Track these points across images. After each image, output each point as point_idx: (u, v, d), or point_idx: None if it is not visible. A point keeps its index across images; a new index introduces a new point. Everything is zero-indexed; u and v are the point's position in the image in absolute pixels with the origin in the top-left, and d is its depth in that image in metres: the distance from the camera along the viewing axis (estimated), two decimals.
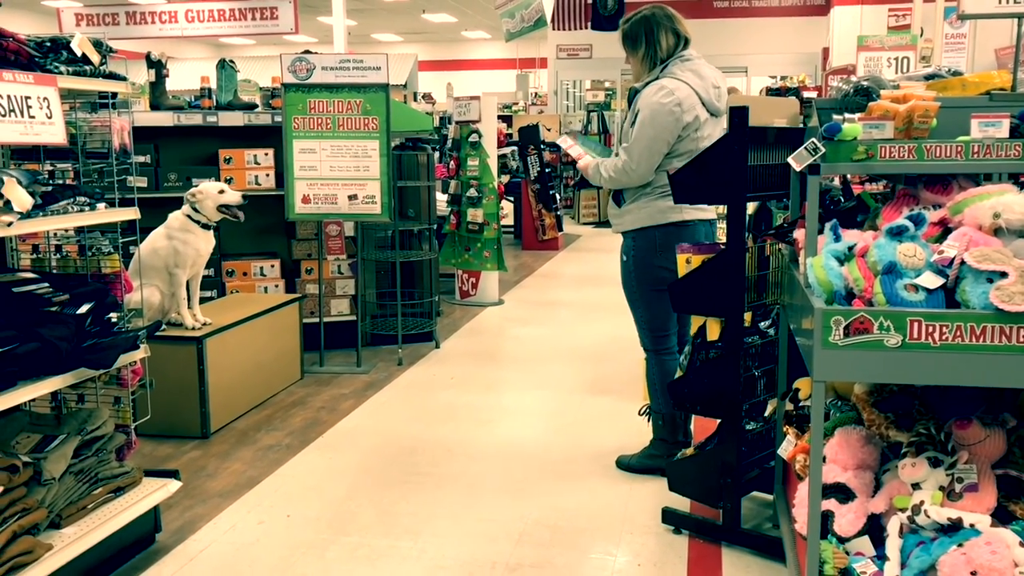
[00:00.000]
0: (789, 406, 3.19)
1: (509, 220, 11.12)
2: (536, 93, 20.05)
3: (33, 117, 2.63)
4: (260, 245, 6.09)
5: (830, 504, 2.49)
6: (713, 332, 3.25)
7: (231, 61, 5.96)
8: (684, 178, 3.21)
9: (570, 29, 14.56)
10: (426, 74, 21.63)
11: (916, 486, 2.40)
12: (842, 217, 2.74)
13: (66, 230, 3.22)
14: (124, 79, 3.06)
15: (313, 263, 6.00)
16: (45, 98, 2.68)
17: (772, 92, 9.31)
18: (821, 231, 2.53)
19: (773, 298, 3.31)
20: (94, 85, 2.94)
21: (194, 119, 5.75)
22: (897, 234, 2.30)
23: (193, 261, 4.49)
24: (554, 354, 6.01)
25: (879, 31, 9.48)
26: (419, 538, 3.32)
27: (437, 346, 6.18)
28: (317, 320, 5.74)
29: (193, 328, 4.45)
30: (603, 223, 13.67)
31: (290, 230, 6.02)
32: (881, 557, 2.35)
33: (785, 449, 2.94)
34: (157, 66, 5.71)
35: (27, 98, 2.61)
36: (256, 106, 6.01)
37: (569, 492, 3.73)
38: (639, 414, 4.08)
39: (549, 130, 12.31)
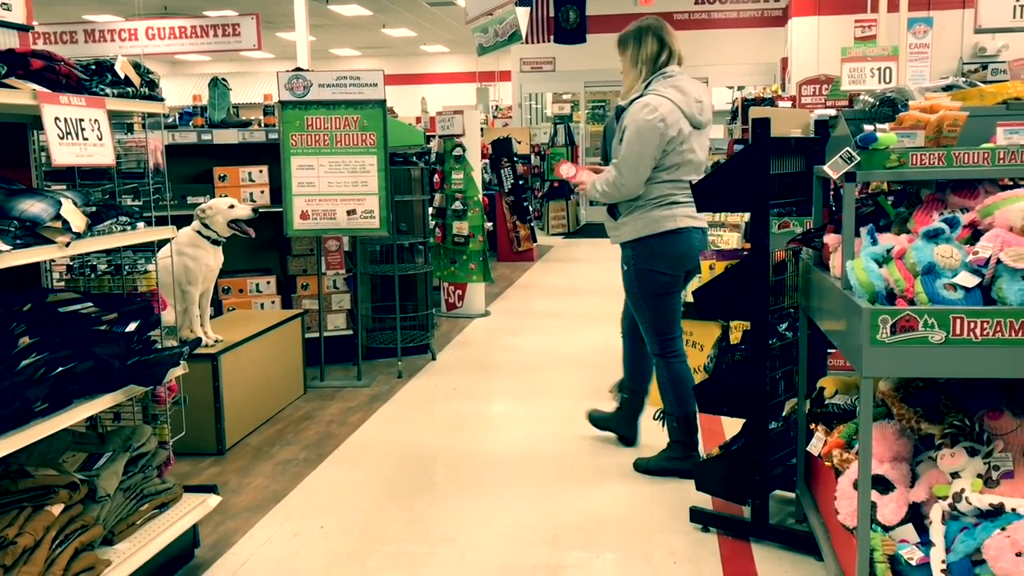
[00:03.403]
0: (810, 405, 3.33)
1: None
2: (497, 106, 20.20)
3: (87, 139, 2.66)
4: (255, 262, 6.11)
5: (872, 495, 2.62)
6: (736, 335, 3.38)
7: (223, 79, 5.98)
8: (706, 187, 3.33)
9: (535, 42, 14.72)
10: (389, 88, 21.63)
11: (955, 475, 2.54)
12: (863, 222, 2.89)
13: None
14: (163, 100, 3.11)
15: (309, 279, 6.03)
16: (96, 120, 2.72)
17: (748, 102, 9.53)
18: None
19: (790, 301, 3.44)
20: (137, 106, 2.99)
21: (188, 137, 5.77)
22: (933, 236, 2.44)
23: (204, 277, 4.52)
24: (549, 363, 6.10)
25: (839, 41, 9.76)
26: (457, 544, 3.39)
27: (433, 358, 6.24)
28: (316, 335, 5.78)
29: (207, 345, 4.47)
30: (572, 234, 13.84)
31: (284, 246, 6.05)
32: (925, 543, 2.49)
33: (815, 446, 3.06)
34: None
35: (80, 120, 2.65)
36: (249, 123, 6.03)
37: (593, 496, 3.82)
38: (654, 419, 4.20)
39: (520, 143, 12.43)
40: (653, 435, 4.28)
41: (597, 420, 4.49)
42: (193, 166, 5.97)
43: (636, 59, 3.93)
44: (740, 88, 15.46)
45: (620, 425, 4.38)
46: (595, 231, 13.99)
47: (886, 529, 2.57)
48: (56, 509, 2.59)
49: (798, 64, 12.87)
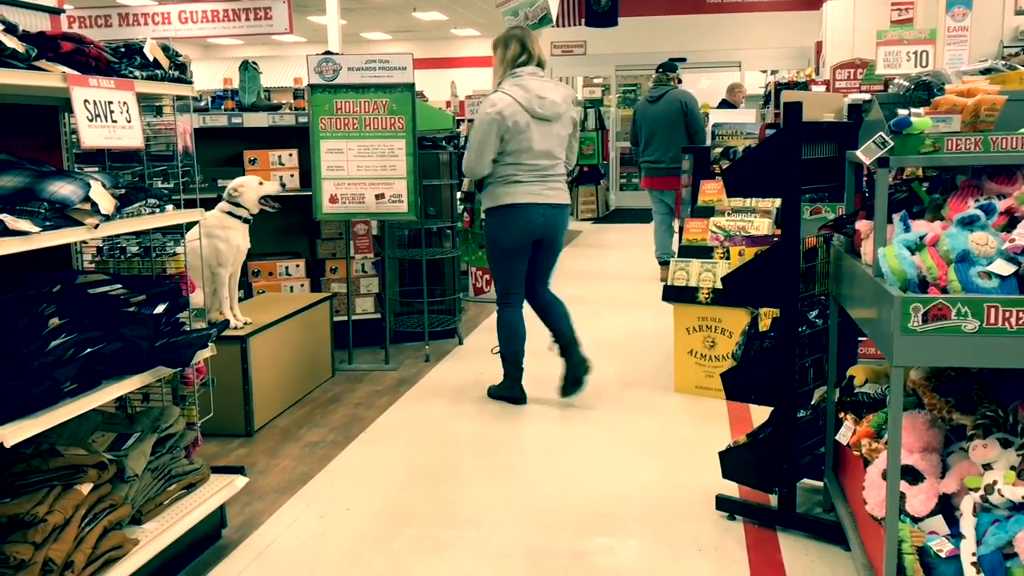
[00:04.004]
0: (839, 394, 3.29)
1: None
2: None
3: (115, 121, 2.68)
4: (284, 245, 6.14)
5: (901, 486, 2.58)
6: (765, 323, 3.35)
7: (254, 63, 6.00)
8: (736, 172, 3.30)
9: (566, 26, 14.63)
10: (419, 72, 21.62)
11: (987, 466, 2.50)
12: (896, 209, 2.84)
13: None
14: (191, 83, 3.11)
15: (338, 262, 6.05)
16: (125, 102, 2.73)
17: (781, 86, 9.40)
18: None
19: (821, 288, 3.39)
20: (166, 89, 3.00)
21: (219, 121, 5.80)
22: (968, 224, 2.39)
23: (234, 258, 4.55)
24: None
25: (875, 25, 9.59)
26: (481, 528, 3.40)
27: (460, 342, 6.25)
28: (344, 318, 5.80)
29: (236, 327, 4.50)
30: (602, 219, 13.78)
31: (313, 230, 6.07)
32: (955, 535, 2.45)
33: (844, 435, 3.02)
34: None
35: (109, 103, 2.67)
36: (280, 107, 6.05)
37: (618, 482, 3.81)
38: (491, 352, 5.03)
39: None
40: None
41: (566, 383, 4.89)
42: (224, 149, 6.00)
43: (501, 60, 4.64)
44: (774, 72, 15.26)
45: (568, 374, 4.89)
46: (625, 216, 13.94)
47: (915, 520, 2.53)
48: (85, 488, 2.62)
49: (833, 48, 12.65)
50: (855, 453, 2.90)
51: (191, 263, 4.29)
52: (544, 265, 4.89)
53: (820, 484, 3.45)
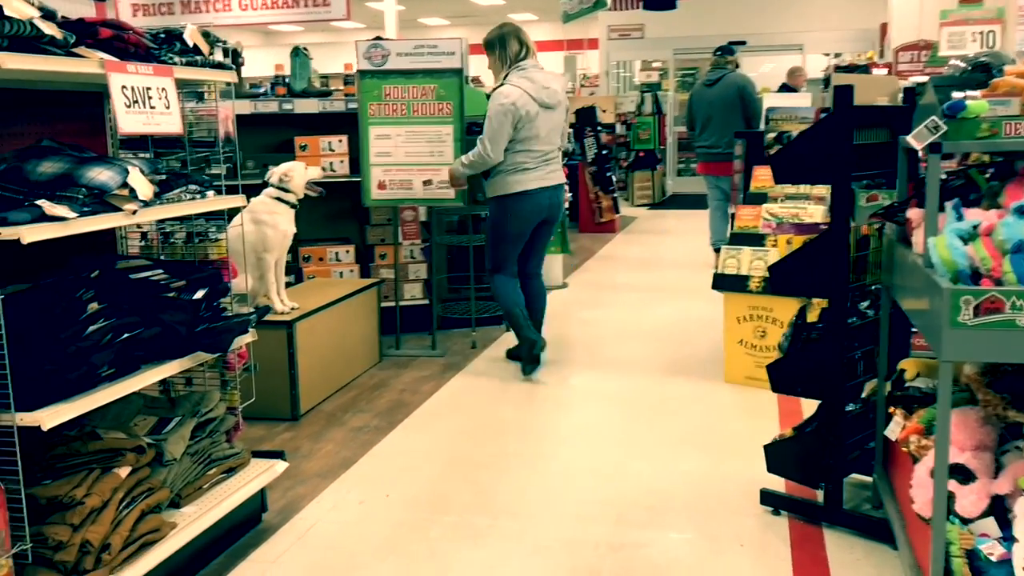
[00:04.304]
0: (890, 387, 3.18)
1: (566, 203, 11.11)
2: (584, 75, 19.95)
3: (153, 108, 2.69)
4: (334, 231, 6.17)
5: (950, 485, 2.48)
6: (814, 313, 3.25)
7: (305, 49, 6.02)
8: (785, 158, 3.20)
9: (622, 9, 14.44)
10: (476, 57, 21.62)
11: None
12: (950, 196, 2.72)
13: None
14: (231, 68, 3.12)
15: (386, 248, 6.06)
16: (163, 88, 2.74)
17: (840, 70, 9.15)
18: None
19: (873, 278, 3.28)
20: (205, 75, 3.00)
21: (270, 107, 5.83)
22: None
23: (280, 244, 4.57)
24: (624, 337, 6.02)
25: (943, 4, 9.28)
26: (519, 518, 3.37)
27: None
28: (392, 304, 5.81)
29: (282, 312, 4.53)
30: (657, 205, 13.62)
31: (363, 216, 6.09)
32: (1008, 539, 2.34)
33: (893, 431, 2.92)
34: (233, 55, 5.76)
35: (148, 89, 2.68)
36: (330, 93, 6.06)
37: (661, 474, 3.75)
38: (506, 358, 5.41)
39: (604, 112, 12.24)
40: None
41: (508, 354, 5.42)
42: (275, 136, 6.04)
43: (502, 57, 4.94)
44: (837, 55, 14.88)
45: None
46: (682, 202, 13.75)
47: (965, 522, 2.43)
48: (123, 471, 2.65)
49: (898, 29, 12.27)
50: (904, 450, 2.80)
51: (234, 248, 4.35)
52: (540, 244, 5.20)
53: (870, 480, 3.35)
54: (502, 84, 4.88)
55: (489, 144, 4.82)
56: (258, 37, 24.62)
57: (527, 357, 5.10)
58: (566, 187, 5.35)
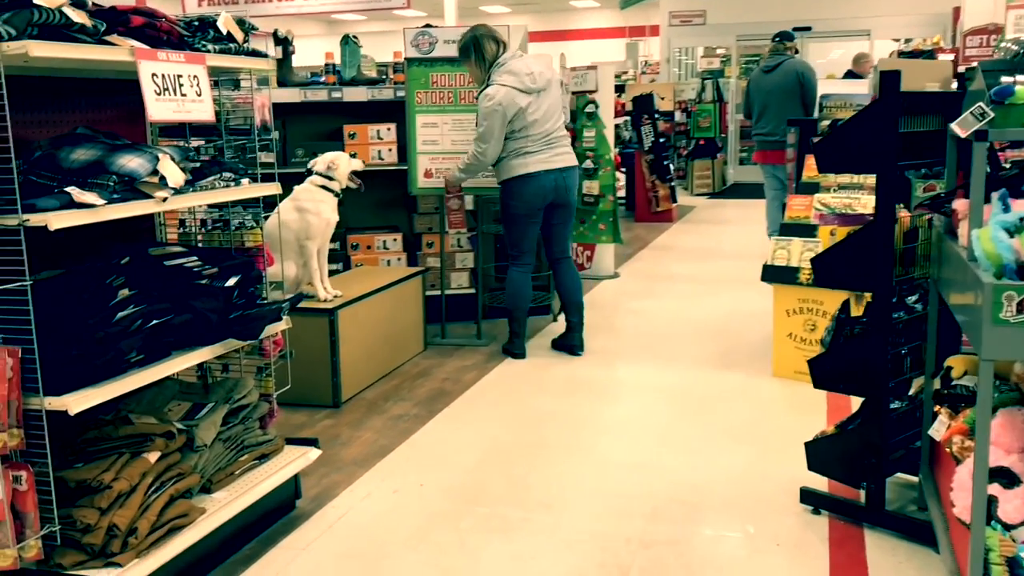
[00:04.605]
0: (938, 384, 3.06)
1: (622, 192, 10.99)
2: (646, 61, 19.72)
3: (184, 95, 2.70)
4: (383, 219, 6.19)
5: (993, 489, 2.37)
6: (860, 307, 3.14)
7: (354, 37, 6.03)
8: (828, 146, 3.09)
9: None
10: (535, 45, 21.53)
11: None
12: (999, 186, 2.59)
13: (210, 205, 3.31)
14: (266, 56, 3.12)
15: (434, 236, 6.05)
16: (195, 76, 2.75)
17: (904, 55, 8.86)
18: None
19: (921, 272, 3.16)
20: (239, 63, 3.01)
21: (320, 95, 5.86)
22: None
23: (323, 232, 4.59)
24: (675, 328, 5.92)
25: None
26: (551, 511, 3.33)
27: (555, 319, 6.16)
28: (438, 293, 5.81)
29: (325, 300, 4.56)
30: (718, 194, 13.41)
31: (411, 204, 6.09)
32: None
33: (937, 430, 2.81)
34: (284, 43, 5.82)
35: (179, 76, 2.69)
36: (380, 81, 6.07)
37: (700, 468, 3.67)
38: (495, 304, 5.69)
39: (663, 99, 12.08)
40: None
41: (553, 344, 5.47)
42: (324, 124, 6.07)
43: (480, 60, 4.96)
44: (907, 41, 14.43)
45: (565, 338, 5.39)
46: (743, 191, 13.51)
47: (1007, 528, 2.32)
48: (152, 456, 2.68)
49: (971, 12, 11.81)
50: (947, 450, 2.69)
51: (273, 235, 4.38)
52: (560, 228, 5.21)
53: (916, 480, 3.24)
54: (487, 84, 4.92)
55: (484, 144, 4.91)
56: (321, 27, 24.88)
57: (507, 352, 5.32)
58: (579, 170, 5.40)
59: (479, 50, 4.95)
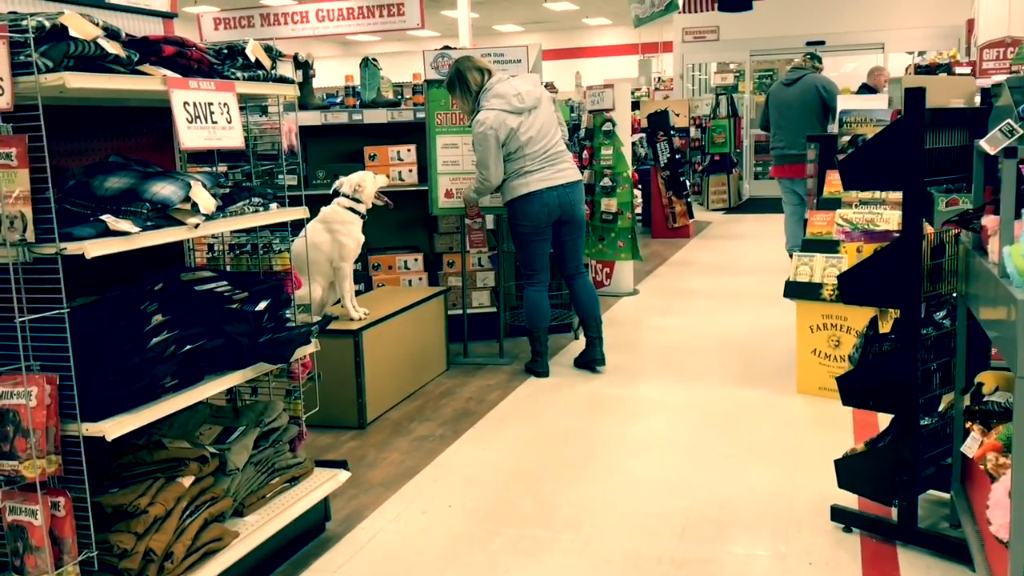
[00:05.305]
0: (968, 401, 3.05)
1: (639, 208, 11.00)
2: (659, 78, 19.78)
3: (215, 123, 2.73)
4: (404, 239, 6.22)
5: None
6: (887, 324, 3.13)
7: (374, 59, 6.09)
8: (853, 163, 3.09)
9: (696, 11, 14.27)
10: (549, 63, 21.62)
11: None
12: None
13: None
14: (293, 82, 3.16)
15: (455, 256, 6.08)
16: (225, 104, 2.79)
17: (920, 69, 8.86)
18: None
19: (949, 287, 3.15)
20: (267, 90, 3.04)
21: (340, 117, 5.91)
22: None
23: (354, 252, 4.64)
24: (696, 345, 5.92)
25: None
26: (581, 531, 3.33)
27: (576, 337, 6.17)
28: (459, 312, 5.83)
29: (359, 319, 4.59)
30: (733, 209, 13.40)
31: (432, 224, 6.12)
32: None
33: (970, 447, 2.79)
34: (304, 67, 5.88)
35: (209, 104, 2.72)
36: (399, 103, 6.12)
37: (729, 486, 3.66)
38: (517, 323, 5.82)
39: (678, 115, 12.10)
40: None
41: (576, 362, 5.50)
42: (345, 145, 6.12)
43: (467, 92, 5.03)
44: (921, 54, 14.43)
45: (586, 354, 5.43)
46: (759, 206, 13.50)
47: None
48: (187, 481, 2.70)
49: (985, 26, 11.83)
50: (981, 467, 2.68)
51: (301, 258, 4.41)
52: (571, 245, 5.24)
53: (948, 496, 3.22)
54: (477, 110, 4.98)
55: (484, 169, 5.01)
56: (336, 48, 25.10)
57: (530, 371, 5.37)
58: (583, 185, 5.39)
59: (463, 82, 5.01)
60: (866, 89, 9.82)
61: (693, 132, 13.20)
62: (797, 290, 4.77)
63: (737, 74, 15.49)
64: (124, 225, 2.43)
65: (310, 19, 16.01)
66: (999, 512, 2.41)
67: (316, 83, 6.38)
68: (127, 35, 2.57)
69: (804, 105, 7.84)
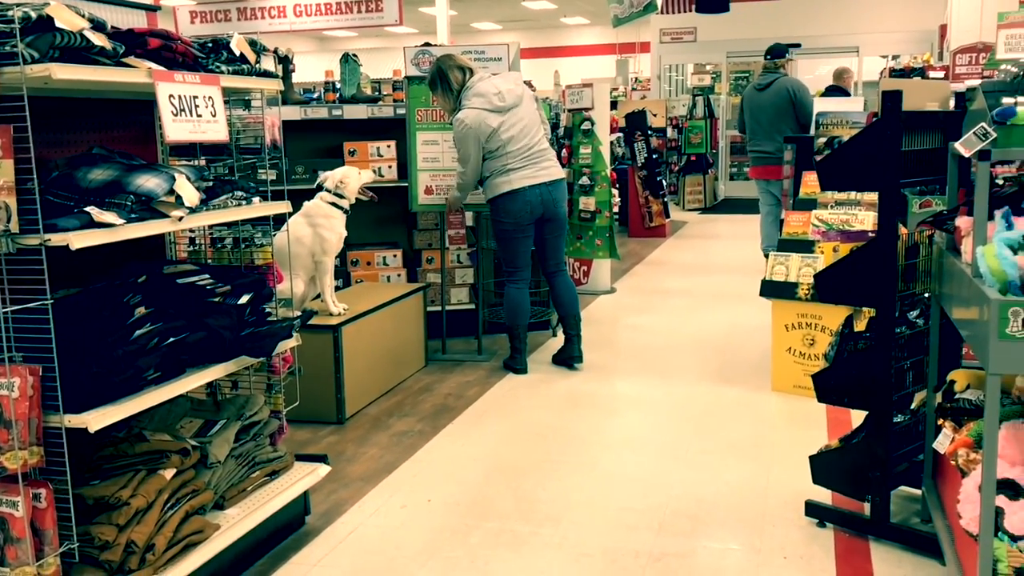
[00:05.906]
0: (940, 398, 3.11)
1: (616, 207, 11.05)
2: (636, 78, 19.85)
3: (200, 116, 2.74)
4: (383, 235, 6.22)
5: (1000, 501, 2.42)
6: (861, 323, 3.19)
7: (354, 55, 6.08)
8: (831, 165, 3.14)
9: (674, 12, 14.36)
10: (526, 62, 21.61)
11: None
12: (1001, 204, 2.65)
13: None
14: (277, 77, 3.16)
15: (434, 252, 6.09)
16: (210, 97, 2.79)
17: (895, 73, 8.96)
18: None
19: (922, 287, 3.21)
20: (251, 84, 3.05)
21: (320, 113, 5.90)
22: None
23: (336, 247, 4.64)
24: (673, 343, 5.97)
25: (1005, 5, 9.05)
26: (560, 525, 3.36)
27: (554, 334, 6.20)
28: (438, 308, 5.84)
29: (338, 314, 4.59)
30: (709, 209, 13.50)
31: (410, 220, 6.13)
32: None
33: (942, 443, 2.86)
34: (284, 62, 5.86)
35: (194, 98, 2.73)
36: (379, 99, 6.12)
37: (705, 483, 3.71)
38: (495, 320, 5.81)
39: (655, 115, 12.17)
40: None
41: (554, 359, 5.52)
42: (324, 141, 6.11)
43: (449, 90, 5.05)
44: (895, 58, 14.60)
45: (564, 351, 5.47)
46: (734, 206, 13.61)
47: (1015, 539, 2.37)
48: (168, 473, 2.70)
49: (957, 31, 11.99)
50: (952, 463, 2.74)
51: (283, 252, 4.41)
52: (552, 242, 5.27)
53: (919, 492, 3.28)
54: (458, 109, 4.99)
55: (464, 167, 5.08)
56: (313, 43, 24.96)
57: (509, 367, 5.38)
58: (565, 183, 5.41)
59: (445, 80, 5.02)
60: (835, 90, 9.92)
61: (670, 132, 13.28)
62: (773, 289, 4.83)
63: (714, 75, 15.58)
64: (109, 217, 2.43)
65: (287, 14, 15.92)
66: (969, 506, 2.47)
67: (294, 78, 6.37)
68: (112, 27, 2.57)
69: (777, 109, 7.92)
